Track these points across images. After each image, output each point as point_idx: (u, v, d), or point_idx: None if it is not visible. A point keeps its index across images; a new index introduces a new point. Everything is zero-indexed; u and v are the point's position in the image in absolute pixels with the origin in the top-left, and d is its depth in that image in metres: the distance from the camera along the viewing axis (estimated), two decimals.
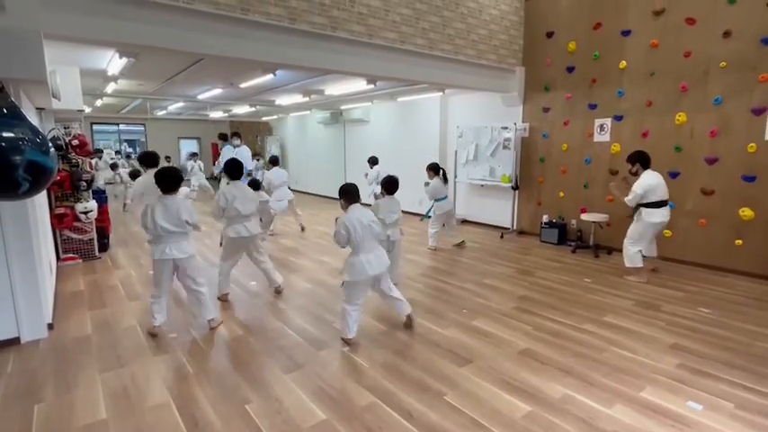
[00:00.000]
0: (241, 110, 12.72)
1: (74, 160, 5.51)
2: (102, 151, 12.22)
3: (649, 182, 4.51)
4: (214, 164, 14.30)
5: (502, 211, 7.60)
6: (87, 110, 9.72)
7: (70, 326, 3.68)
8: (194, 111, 14.18)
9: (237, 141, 8.78)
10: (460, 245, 6.49)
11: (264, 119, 15.53)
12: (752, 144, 4.78)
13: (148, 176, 4.80)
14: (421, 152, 8.48)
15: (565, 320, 3.74)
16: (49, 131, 5.27)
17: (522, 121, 7.08)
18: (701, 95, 5.12)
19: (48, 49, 3.19)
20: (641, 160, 4.64)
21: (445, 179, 6.15)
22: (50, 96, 4.22)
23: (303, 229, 7.62)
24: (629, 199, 4.58)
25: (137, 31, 3.56)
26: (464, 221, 8.21)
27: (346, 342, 3.32)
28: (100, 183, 8.21)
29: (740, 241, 4.96)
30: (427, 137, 8.80)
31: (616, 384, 2.73)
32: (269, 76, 6.43)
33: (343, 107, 11.12)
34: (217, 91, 9.10)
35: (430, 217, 6.73)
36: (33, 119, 3.87)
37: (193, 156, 12.01)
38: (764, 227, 4.77)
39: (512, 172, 7.08)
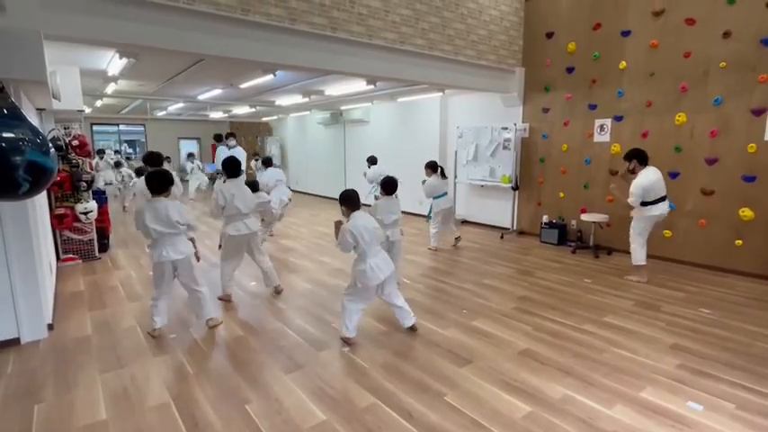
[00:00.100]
0: (241, 110, 12.73)
1: (74, 161, 5.51)
2: (104, 151, 12.23)
3: (650, 177, 4.48)
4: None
5: (502, 211, 7.60)
6: (87, 110, 9.70)
7: (70, 326, 3.68)
8: (194, 111, 14.18)
9: (233, 142, 8.71)
10: (456, 241, 6.49)
11: (264, 119, 15.52)
12: (752, 144, 4.78)
13: None
14: (421, 152, 8.46)
15: (565, 321, 3.74)
16: (50, 132, 5.27)
17: (522, 122, 7.08)
18: (701, 96, 5.12)
19: (48, 49, 3.19)
20: (638, 157, 4.61)
21: (443, 175, 6.15)
22: (50, 97, 4.22)
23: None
24: (632, 200, 4.54)
25: (137, 31, 3.56)
26: (464, 222, 8.21)
27: (346, 342, 3.32)
28: (100, 184, 8.20)
29: (740, 241, 4.96)
30: (427, 137, 8.80)
31: (616, 385, 2.73)
32: (269, 77, 6.42)
33: (343, 108, 11.12)
34: (217, 91, 9.09)
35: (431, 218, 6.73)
36: (33, 119, 3.88)
37: (190, 156, 12.03)
38: (764, 227, 4.78)
39: (512, 172, 7.08)
